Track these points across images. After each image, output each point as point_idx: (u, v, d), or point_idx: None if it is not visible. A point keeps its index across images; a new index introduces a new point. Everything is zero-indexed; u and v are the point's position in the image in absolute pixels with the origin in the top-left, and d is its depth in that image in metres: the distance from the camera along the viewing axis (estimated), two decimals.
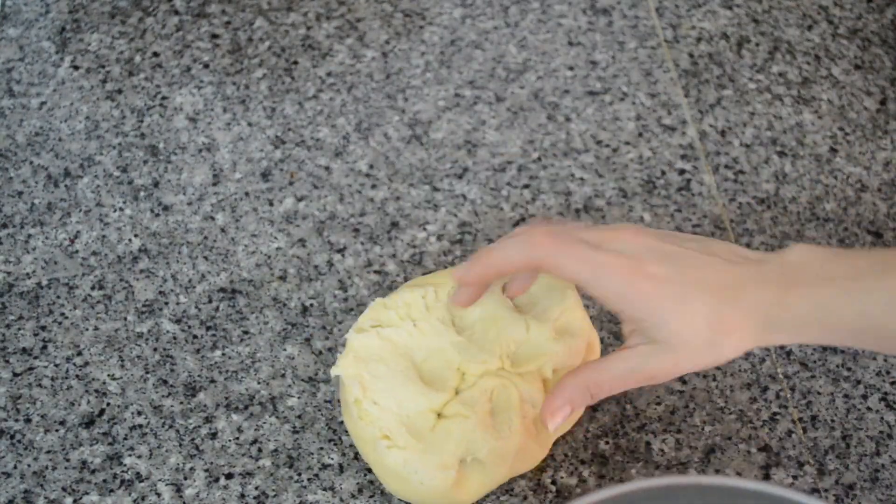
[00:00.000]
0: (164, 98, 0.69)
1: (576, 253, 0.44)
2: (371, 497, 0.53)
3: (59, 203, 0.64)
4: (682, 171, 0.66)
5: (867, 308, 0.43)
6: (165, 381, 0.57)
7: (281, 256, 0.62)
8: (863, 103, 0.69)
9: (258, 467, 0.54)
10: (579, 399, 0.47)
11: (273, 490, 0.53)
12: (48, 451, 0.54)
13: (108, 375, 0.57)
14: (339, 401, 0.55)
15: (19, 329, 0.59)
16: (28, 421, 0.55)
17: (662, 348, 0.44)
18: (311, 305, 0.60)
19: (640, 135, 0.68)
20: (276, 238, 0.63)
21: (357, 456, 0.54)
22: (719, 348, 0.44)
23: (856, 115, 0.69)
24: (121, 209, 0.64)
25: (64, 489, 0.53)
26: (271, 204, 0.64)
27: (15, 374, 0.57)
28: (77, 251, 0.62)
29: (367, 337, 0.51)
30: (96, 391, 0.57)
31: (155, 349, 0.58)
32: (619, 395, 0.56)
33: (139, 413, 0.56)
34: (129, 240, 0.63)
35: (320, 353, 0.58)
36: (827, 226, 0.64)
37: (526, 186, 0.65)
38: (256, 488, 0.53)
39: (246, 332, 0.59)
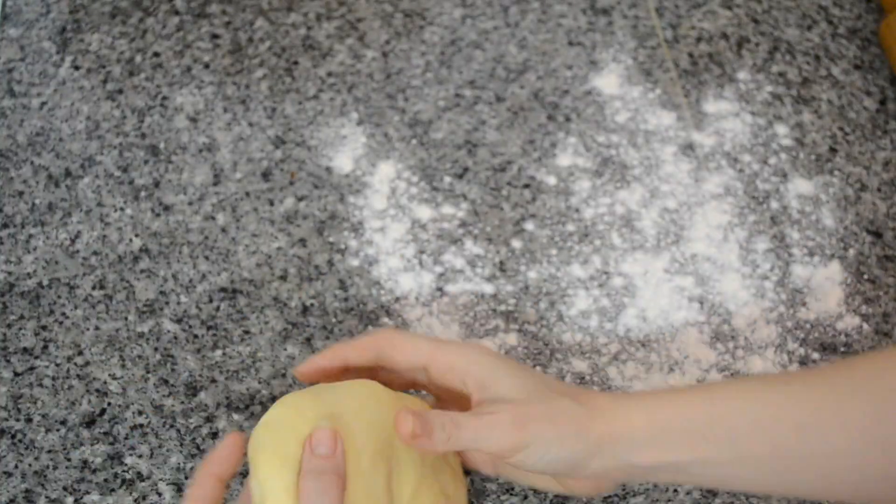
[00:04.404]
0: (164, 98, 0.69)
1: (418, 339, 0.48)
2: None
3: (59, 203, 0.64)
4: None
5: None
6: (166, 381, 0.57)
7: (281, 256, 0.62)
8: (862, 103, 0.69)
9: None
10: (438, 439, 0.44)
11: None
12: (49, 451, 0.54)
13: (109, 375, 0.57)
14: None
15: (20, 329, 0.59)
16: (29, 420, 0.56)
17: (501, 407, 0.45)
18: (312, 305, 0.60)
19: (641, 134, 0.68)
20: (276, 238, 0.63)
21: None
22: (580, 421, 0.44)
23: (855, 115, 0.69)
24: (121, 209, 0.64)
25: (65, 489, 0.53)
26: (272, 204, 0.64)
27: (16, 374, 0.57)
28: (78, 251, 0.62)
29: None
30: (97, 391, 0.57)
31: (156, 349, 0.58)
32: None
33: (140, 413, 0.56)
34: (130, 240, 0.63)
35: None
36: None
37: (526, 186, 0.65)
38: None
39: (247, 332, 0.59)
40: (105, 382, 0.57)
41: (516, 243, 0.63)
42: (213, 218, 0.64)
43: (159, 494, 0.53)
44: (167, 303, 0.60)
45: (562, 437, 0.44)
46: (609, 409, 0.45)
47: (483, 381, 0.46)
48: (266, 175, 0.65)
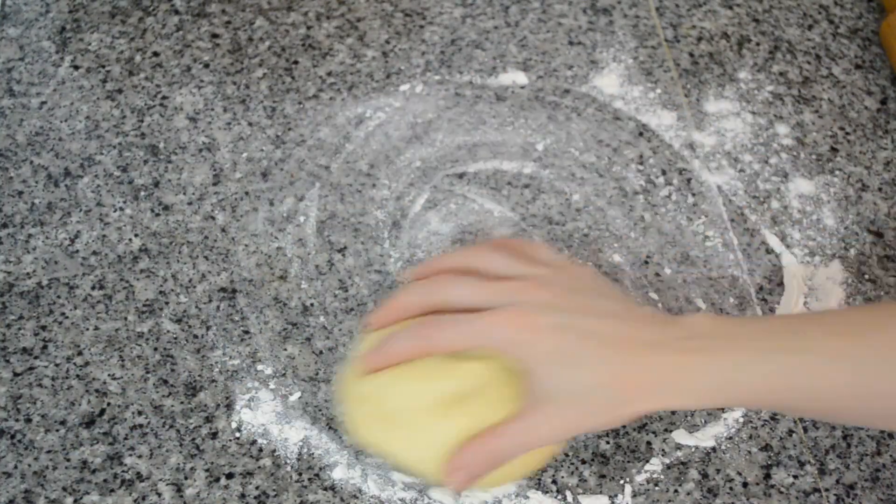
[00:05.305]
0: (164, 98, 0.69)
1: (456, 328, 0.45)
2: (371, 497, 0.53)
3: (59, 203, 0.64)
4: (682, 171, 0.66)
5: (770, 370, 0.42)
6: (166, 381, 0.57)
7: (281, 256, 0.62)
8: (863, 103, 0.69)
9: (259, 467, 0.54)
10: (480, 466, 0.45)
11: (273, 490, 0.53)
12: (49, 451, 0.54)
13: (109, 375, 0.57)
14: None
15: (20, 329, 0.59)
16: (28, 421, 0.55)
17: (551, 405, 0.43)
18: (312, 305, 0.60)
19: (641, 134, 0.68)
20: (276, 238, 0.63)
21: (358, 455, 0.54)
22: (615, 408, 0.43)
23: (856, 115, 0.69)
24: (121, 209, 0.64)
25: (64, 489, 0.53)
26: (271, 203, 0.64)
27: (15, 374, 0.57)
28: (77, 251, 0.62)
29: None
30: (97, 391, 0.57)
31: (155, 349, 0.58)
32: None
33: (140, 413, 0.56)
34: (130, 239, 0.63)
35: (321, 352, 0.58)
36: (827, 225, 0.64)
37: (526, 186, 0.65)
38: (257, 488, 0.53)
39: (246, 332, 0.59)
40: (105, 382, 0.57)
41: None
42: (213, 218, 0.64)
43: (159, 495, 0.53)
44: (167, 303, 0.60)
45: (596, 426, 0.45)
46: (651, 390, 0.43)
47: (525, 372, 0.44)
48: (266, 175, 0.65)
